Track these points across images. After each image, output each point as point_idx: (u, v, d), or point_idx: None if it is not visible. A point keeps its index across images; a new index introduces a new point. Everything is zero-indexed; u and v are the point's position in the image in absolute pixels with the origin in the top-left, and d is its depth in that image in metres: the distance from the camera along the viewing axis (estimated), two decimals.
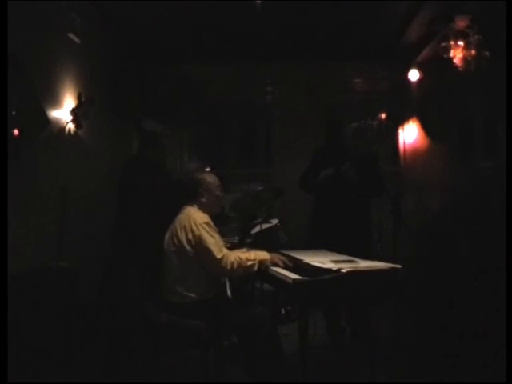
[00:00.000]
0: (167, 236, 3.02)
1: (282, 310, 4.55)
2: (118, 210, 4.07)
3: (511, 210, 2.94)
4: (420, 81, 5.51)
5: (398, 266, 2.69)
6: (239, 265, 2.85)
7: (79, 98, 4.10)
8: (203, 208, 3.05)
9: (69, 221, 3.99)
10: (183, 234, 2.89)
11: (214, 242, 2.86)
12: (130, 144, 5.69)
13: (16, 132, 3.10)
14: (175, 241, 2.92)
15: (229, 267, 2.83)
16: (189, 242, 2.87)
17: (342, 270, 2.49)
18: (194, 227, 2.87)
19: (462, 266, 4.22)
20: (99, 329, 3.55)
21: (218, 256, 2.82)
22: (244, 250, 3.22)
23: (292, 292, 2.62)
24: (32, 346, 2.89)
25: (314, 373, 3.01)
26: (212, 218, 3.05)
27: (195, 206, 3.05)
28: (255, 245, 3.75)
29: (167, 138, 5.58)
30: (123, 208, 4.02)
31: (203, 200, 3.06)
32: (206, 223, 2.91)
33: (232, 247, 3.74)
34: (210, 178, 3.13)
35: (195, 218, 2.93)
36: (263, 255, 2.94)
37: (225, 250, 2.88)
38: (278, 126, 6.59)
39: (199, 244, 2.85)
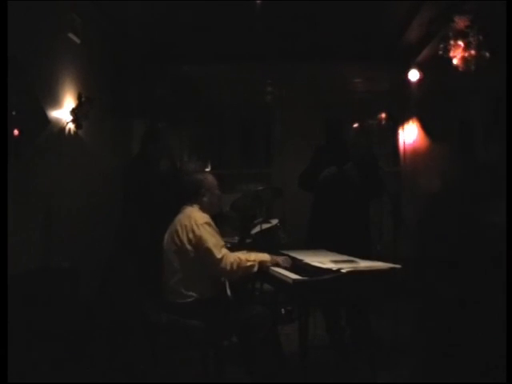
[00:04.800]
0: (167, 236, 3.02)
1: (282, 310, 4.55)
2: (125, 207, 4.04)
3: (511, 209, 2.94)
4: (420, 81, 5.51)
5: (398, 266, 2.69)
6: (239, 265, 2.85)
7: (79, 98, 4.09)
8: (203, 208, 3.05)
9: (69, 221, 3.99)
10: (184, 233, 2.89)
11: (215, 242, 2.86)
12: (130, 144, 5.69)
13: (16, 132, 3.10)
14: (176, 240, 2.92)
15: (228, 268, 2.83)
16: (189, 241, 2.87)
17: (342, 270, 2.49)
18: (195, 227, 2.87)
19: (462, 265, 4.22)
20: (99, 329, 3.56)
21: (218, 256, 2.82)
22: (244, 251, 3.23)
23: (292, 292, 2.62)
24: (32, 346, 2.89)
25: (314, 373, 3.01)
26: (212, 217, 3.06)
27: (195, 206, 3.05)
28: (255, 245, 3.75)
29: (167, 135, 5.59)
30: (127, 208, 4.00)
31: (204, 200, 3.06)
32: (207, 223, 2.91)
33: (232, 247, 3.74)
34: (210, 178, 3.14)
35: (196, 217, 2.93)
36: (263, 256, 2.94)
37: (224, 251, 2.88)
38: (278, 126, 6.58)
39: (199, 244, 2.85)
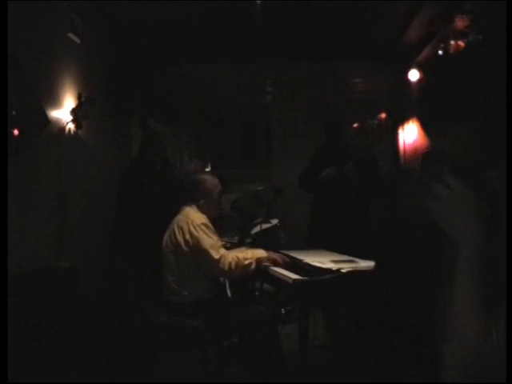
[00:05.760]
0: (166, 236, 3.02)
1: (282, 310, 4.55)
2: (118, 210, 4.08)
3: (511, 210, 2.94)
4: (420, 81, 5.51)
5: None
6: (237, 265, 2.85)
7: (79, 98, 4.09)
8: (202, 209, 3.04)
9: (69, 221, 3.99)
10: (180, 234, 2.89)
11: (212, 243, 2.86)
12: (130, 144, 5.69)
13: (16, 132, 3.10)
14: (173, 241, 2.92)
15: (227, 268, 2.83)
16: (186, 243, 2.87)
17: (342, 270, 2.49)
18: (192, 228, 2.87)
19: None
20: (99, 329, 3.55)
21: (216, 257, 2.82)
22: (243, 248, 3.23)
23: (292, 292, 2.62)
24: (32, 346, 2.89)
25: (314, 373, 3.01)
26: (211, 219, 3.05)
27: (194, 206, 3.05)
28: (255, 245, 3.75)
29: (167, 138, 5.59)
30: (123, 209, 4.02)
31: (202, 202, 3.05)
32: (204, 224, 2.91)
33: (232, 247, 3.74)
34: (211, 180, 3.11)
35: (193, 219, 2.92)
36: (260, 253, 2.94)
37: (222, 251, 2.88)
38: (277, 126, 6.59)
39: (197, 245, 2.85)
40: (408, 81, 5.60)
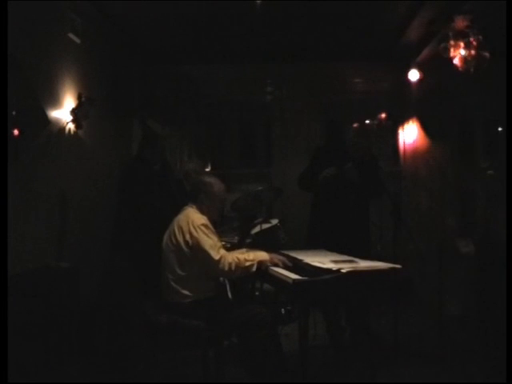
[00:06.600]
0: (166, 236, 3.03)
1: (282, 310, 4.55)
2: (118, 210, 4.08)
3: (511, 209, 2.95)
4: (420, 81, 5.51)
5: (398, 266, 2.69)
6: (237, 265, 2.85)
7: (79, 98, 4.09)
8: (203, 210, 3.04)
9: (69, 221, 3.99)
10: (180, 234, 2.90)
11: (212, 244, 2.86)
12: (130, 144, 5.69)
13: (16, 132, 3.10)
14: (173, 241, 2.93)
15: (226, 268, 2.83)
16: (186, 243, 2.88)
17: (342, 270, 2.49)
18: (192, 229, 2.87)
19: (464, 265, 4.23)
20: (99, 329, 3.56)
21: (216, 257, 2.82)
22: (243, 250, 3.23)
23: (292, 292, 2.62)
24: (32, 346, 2.89)
25: (314, 373, 3.01)
26: (211, 220, 3.05)
27: (195, 207, 3.05)
28: (255, 245, 3.75)
29: (167, 138, 5.59)
30: (123, 209, 4.03)
31: (205, 203, 3.05)
32: (204, 225, 2.91)
33: (232, 247, 3.74)
34: (217, 183, 3.10)
35: (193, 219, 2.93)
36: (262, 255, 2.94)
37: (222, 251, 2.88)
38: (277, 126, 6.59)
39: (196, 246, 2.85)
40: (408, 81, 5.60)
